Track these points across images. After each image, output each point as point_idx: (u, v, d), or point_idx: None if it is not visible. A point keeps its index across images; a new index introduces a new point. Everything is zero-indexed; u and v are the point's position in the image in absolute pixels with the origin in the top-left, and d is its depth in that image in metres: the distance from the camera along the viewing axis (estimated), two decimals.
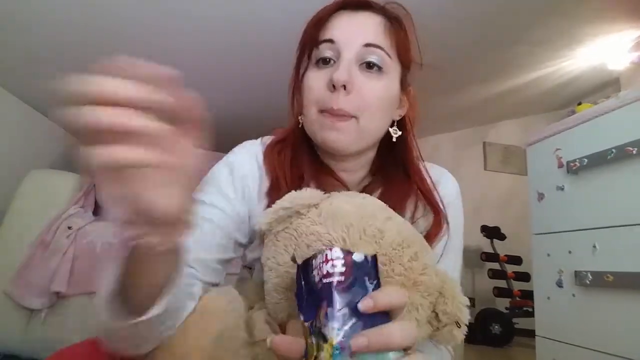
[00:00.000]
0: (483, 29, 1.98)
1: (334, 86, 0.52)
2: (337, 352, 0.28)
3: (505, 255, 2.80)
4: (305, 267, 0.34)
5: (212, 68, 1.98)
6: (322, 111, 0.54)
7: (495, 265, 2.81)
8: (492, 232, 2.91)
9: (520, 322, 2.61)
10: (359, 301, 0.30)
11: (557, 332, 1.31)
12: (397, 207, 0.54)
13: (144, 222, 0.27)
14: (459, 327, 0.43)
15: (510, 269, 2.78)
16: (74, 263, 1.32)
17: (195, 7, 1.55)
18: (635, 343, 1.05)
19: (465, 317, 0.43)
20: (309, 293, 0.33)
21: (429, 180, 0.62)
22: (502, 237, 2.91)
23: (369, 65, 0.54)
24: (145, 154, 0.24)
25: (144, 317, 0.35)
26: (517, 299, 2.65)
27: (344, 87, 0.52)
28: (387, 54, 0.55)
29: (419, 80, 0.64)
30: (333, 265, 0.31)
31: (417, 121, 0.63)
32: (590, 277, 1.19)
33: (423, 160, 0.64)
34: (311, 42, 0.57)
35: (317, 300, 0.31)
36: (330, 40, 0.55)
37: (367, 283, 0.32)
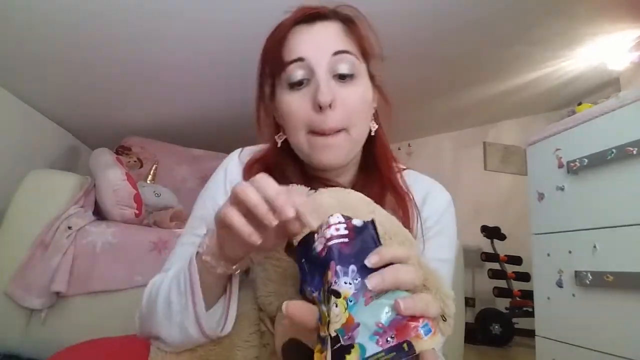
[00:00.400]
0: (483, 29, 1.98)
1: (320, 107, 0.52)
2: (352, 303, 0.30)
3: (505, 255, 2.80)
4: (304, 244, 0.36)
5: (211, 68, 1.98)
6: (312, 132, 0.54)
7: (495, 265, 2.81)
8: (492, 232, 2.91)
9: (520, 322, 2.61)
10: (364, 262, 0.32)
11: (557, 332, 1.31)
12: (378, 201, 0.55)
13: (220, 255, 0.43)
14: (445, 320, 0.42)
15: (510, 269, 2.78)
16: (74, 263, 1.32)
17: (195, 6, 1.55)
18: (635, 343, 1.05)
19: (451, 310, 0.42)
20: (311, 266, 0.35)
21: (395, 169, 0.63)
22: (502, 237, 2.91)
23: (342, 77, 0.55)
24: (247, 228, 0.37)
25: (225, 331, 0.45)
26: (517, 299, 2.65)
27: (330, 105, 0.52)
28: (355, 55, 0.56)
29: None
30: (337, 229, 0.34)
31: (390, 109, 0.64)
32: (590, 277, 1.19)
33: (397, 161, 0.65)
34: (277, 65, 0.55)
35: (323, 267, 0.33)
36: (300, 59, 0.54)
37: (370, 245, 0.34)
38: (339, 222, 0.34)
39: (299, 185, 0.53)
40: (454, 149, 3.47)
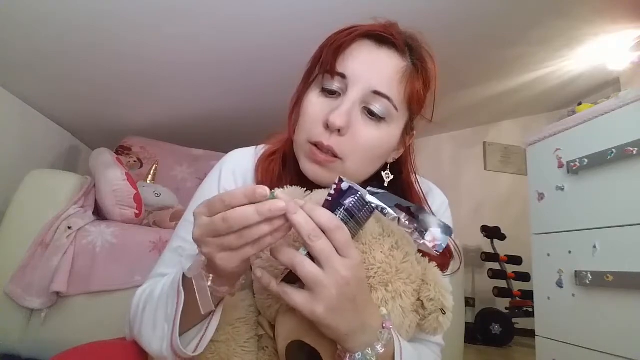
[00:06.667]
0: (483, 28, 1.98)
1: (328, 126, 0.50)
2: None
3: (505, 255, 2.81)
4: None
5: (213, 67, 1.98)
6: (311, 142, 0.52)
7: (495, 265, 2.81)
8: (492, 232, 2.91)
9: (520, 322, 2.61)
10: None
11: (557, 332, 1.31)
12: None
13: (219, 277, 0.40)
14: (444, 313, 0.44)
15: (510, 269, 2.78)
16: (74, 263, 1.32)
17: (197, 6, 1.55)
18: (635, 343, 1.05)
19: (450, 303, 0.44)
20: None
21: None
22: (502, 237, 2.91)
23: (371, 113, 0.52)
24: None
25: (198, 352, 0.44)
26: (517, 299, 2.66)
27: (339, 130, 0.50)
28: (394, 105, 0.52)
29: None
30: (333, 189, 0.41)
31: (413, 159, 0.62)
32: (590, 277, 1.19)
33: (417, 178, 0.63)
34: (325, 68, 0.53)
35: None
36: (343, 75, 0.52)
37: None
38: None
39: (293, 186, 0.52)
40: (454, 149, 3.47)
